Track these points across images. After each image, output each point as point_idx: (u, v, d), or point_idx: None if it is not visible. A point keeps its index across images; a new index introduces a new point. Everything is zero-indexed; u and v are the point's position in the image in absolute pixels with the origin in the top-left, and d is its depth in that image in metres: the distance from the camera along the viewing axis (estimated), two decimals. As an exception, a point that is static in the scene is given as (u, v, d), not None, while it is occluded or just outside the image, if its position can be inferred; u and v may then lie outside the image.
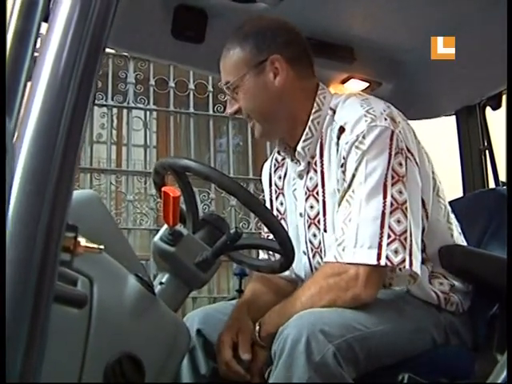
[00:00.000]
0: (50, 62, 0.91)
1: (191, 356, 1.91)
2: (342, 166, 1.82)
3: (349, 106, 1.92)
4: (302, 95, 1.98)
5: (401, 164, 1.78)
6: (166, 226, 1.68)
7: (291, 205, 2.09)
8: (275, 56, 1.93)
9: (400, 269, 1.74)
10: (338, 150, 1.85)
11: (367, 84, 2.74)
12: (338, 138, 1.85)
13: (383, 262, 1.71)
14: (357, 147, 1.78)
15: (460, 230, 2.05)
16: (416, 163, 1.84)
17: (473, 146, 2.97)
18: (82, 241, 0.96)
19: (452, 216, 2.03)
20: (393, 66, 2.75)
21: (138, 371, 1.40)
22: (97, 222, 1.50)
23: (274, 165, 2.21)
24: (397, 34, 2.56)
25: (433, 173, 1.98)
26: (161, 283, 1.70)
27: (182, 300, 1.76)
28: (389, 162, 1.76)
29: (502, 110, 2.81)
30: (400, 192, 1.75)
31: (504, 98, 2.81)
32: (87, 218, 1.38)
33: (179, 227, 1.70)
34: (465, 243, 2.03)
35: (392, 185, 1.75)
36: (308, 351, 1.57)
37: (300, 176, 2.03)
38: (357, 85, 2.72)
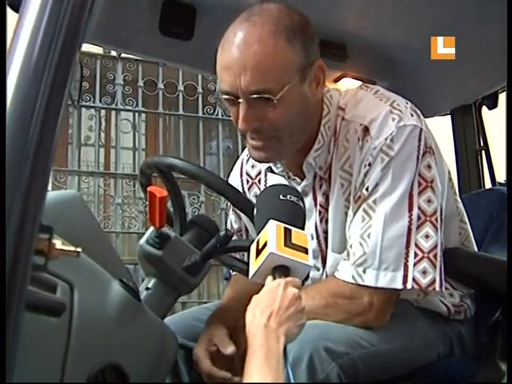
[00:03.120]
0: (21, 56, 0.86)
1: (172, 368, 1.79)
2: (365, 175, 1.62)
3: (365, 101, 1.71)
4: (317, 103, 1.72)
5: (429, 166, 1.63)
6: (152, 228, 1.61)
7: None
8: (320, 61, 1.65)
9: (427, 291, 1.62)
10: (361, 154, 1.64)
11: (360, 83, 2.67)
12: (363, 140, 1.64)
13: (410, 285, 1.58)
14: (384, 152, 1.60)
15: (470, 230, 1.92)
16: (436, 163, 1.67)
17: (468, 146, 2.92)
18: (58, 243, 0.90)
19: (464, 214, 1.89)
20: (387, 64, 2.71)
21: (123, 382, 1.32)
22: (78, 223, 1.44)
23: (247, 181, 1.96)
24: (391, 31, 2.53)
25: (448, 170, 1.83)
26: (147, 288, 1.63)
27: (170, 306, 1.68)
28: (416, 168, 1.61)
29: (498, 110, 2.77)
30: (429, 201, 1.61)
31: (500, 97, 2.78)
32: (67, 219, 1.33)
33: (166, 229, 1.63)
34: (474, 244, 1.94)
35: (419, 193, 1.60)
36: (310, 369, 1.46)
37: (304, 193, 1.73)
38: (350, 83, 2.67)
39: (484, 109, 2.87)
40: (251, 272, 1.35)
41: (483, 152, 2.89)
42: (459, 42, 2.20)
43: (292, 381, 1.20)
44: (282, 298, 1.26)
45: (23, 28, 0.87)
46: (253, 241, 1.39)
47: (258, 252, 1.34)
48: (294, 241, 1.33)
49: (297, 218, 1.40)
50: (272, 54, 1.55)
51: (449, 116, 2.96)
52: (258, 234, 1.38)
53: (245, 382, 1.17)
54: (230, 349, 1.65)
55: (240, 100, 1.58)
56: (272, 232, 1.33)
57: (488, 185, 2.86)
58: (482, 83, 2.73)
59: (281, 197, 1.41)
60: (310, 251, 1.34)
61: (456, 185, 2.83)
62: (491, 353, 1.78)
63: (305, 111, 1.65)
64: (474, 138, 2.90)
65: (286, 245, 1.31)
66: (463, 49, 2.29)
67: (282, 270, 1.31)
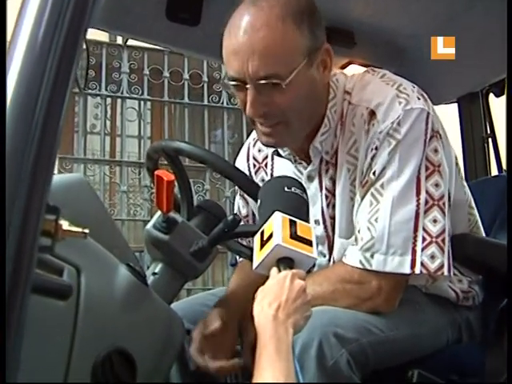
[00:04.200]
0: (25, 41, 0.85)
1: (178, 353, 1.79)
2: (372, 159, 1.61)
3: (372, 84, 1.69)
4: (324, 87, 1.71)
5: (436, 150, 1.62)
6: (159, 212, 1.60)
7: None
8: (327, 45, 1.64)
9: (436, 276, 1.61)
10: (367, 138, 1.63)
11: (367, 69, 2.68)
12: (369, 124, 1.63)
13: (418, 269, 1.57)
14: (391, 136, 1.59)
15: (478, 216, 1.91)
16: (443, 147, 1.66)
17: (475, 134, 2.92)
18: (65, 224, 0.89)
19: (472, 200, 1.88)
20: (394, 51, 2.70)
21: (130, 367, 1.32)
22: (84, 206, 1.42)
23: (254, 165, 1.95)
24: (399, 18, 2.52)
25: (455, 155, 1.81)
26: (154, 273, 1.62)
27: (177, 291, 1.68)
28: (423, 151, 1.59)
29: (505, 97, 2.76)
30: (436, 185, 1.60)
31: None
32: (74, 202, 1.32)
33: (173, 214, 1.62)
34: (482, 230, 1.93)
35: (427, 177, 1.59)
36: (320, 356, 1.45)
37: (309, 178, 1.76)
38: (357, 70, 2.64)
39: (491, 96, 2.86)
40: (255, 263, 1.35)
41: (490, 139, 2.88)
42: (466, 31, 2.21)
43: (299, 374, 1.20)
44: (289, 290, 1.26)
45: (27, 11, 0.86)
46: (260, 227, 1.38)
47: (263, 243, 1.34)
48: (299, 233, 1.33)
49: (301, 211, 1.39)
50: (280, 38, 1.54)
51: (456, 104, 2.95)
52: (262, 225, 1.38)
53: (257, 373, 1.17)
54: (213, 326, 1.65)
55: (248, 85, 1.56)
56: (278, 224, 1.32)
57: (494, 172, 2.85)
58: (489, 71, 2.72)
59: (285, 189, 1.41)
60: (314, 243, 1.34)
61: (463, 172, 2.85)
62: (499, 339, 1.77)
63: (312, 95, 1.64)
64: (480, 126, 2.90)
65: (291, 237, 1.31)
66: (470, 37, 2.30)
67: (286, 261, 1.31)
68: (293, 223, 1.34)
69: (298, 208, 1.40)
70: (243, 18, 1.56)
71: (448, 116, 2.98)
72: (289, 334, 1.22)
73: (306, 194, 1.44)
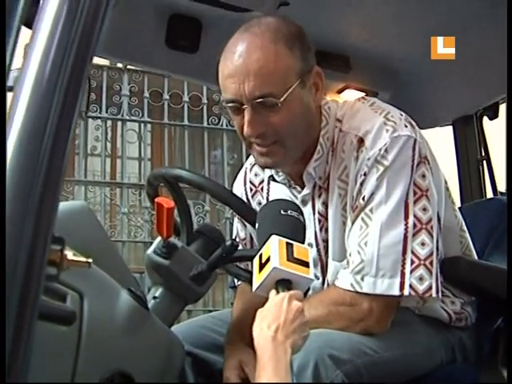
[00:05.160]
0: (34, 71, 0.88)
1: (180, 375, 1.81)
2: (361, 184, 1.65)
3: (361, 112, 1.74)
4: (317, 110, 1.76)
5: (424, 176, 1.65)
6: (159, 238, 1.64)
7: None
8: (318, 68, 1.71)
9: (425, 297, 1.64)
10: (356, 165, 1.67)
11: (363, 94, 2.70)
12: (358, 151, 1.67)
13: (407, 291, 1.59)
14: (379, 162, 1.63)
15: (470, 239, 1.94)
16: (432, 172, 1.70)
17: (470, 156, 2.94)
18: (69, 254, 0.92)
19: (463, 223, 1.91)
20: (389, 75, 2.74)
21: (131, 389, 1.35)
22: (87, 234, 1.46)
23: (250, 189, 1.98)
24: (393, 43, 2.55)
25: (444, 180, 1.84)
26: (154, 297, 1.66)
27: (177, 314, 1.72)
28: (411, 177, 1.63)
29: (498, 120, 2.78)
30: (424, 209, 1.63)
31: (501, 107, 2.79)
32: (77, 229, 1.34)
33: (173, 239, 1.66)
34: (474, 253, 1.95)
35: (415, 202, 1.62)
36: (316, 377, 1.47)
37: (303, 202, 1.79)
38: (353, 95, 2.69)
39: (485, 119, 2.89)
40: (255, 285, 1.38)
41: (484, 162, 2.90)
42: (460, 53, 2.21)
43: None
44: (287, 312, 1.29)
45: (36, 43, 0.89)
46: (258, 251, 1.42)
47: (261, 266, 1.37)
48: (295, 255, 1.36)
49: (297, 233, 1.43)
50: (274, 59, 1.60)
51: (450, 126, 2.97)
52: (260, 248, 1.41)
53: None
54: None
55: (244, 106, 1.61)
56: (275, 247, 1.36)
57: (489, 194, 2.86)
58: (483, 94, 2.75)
59: (282, 212, 1.45)
60: (311, 265, 1.37)
61: (458, 194, 2.87)
62: (493, 360, 1.79)
63: (306, 116, 1.69)
64: (475, 148, 2.92)
65: (288, 259, 1.34)
66: (464, 60, 2.31)
67: (284, 283, 1.34)
68: (289, 246, 1.37)
69: (294, 230, 1.43)
70: (238, 44, 1.63)
71: (442, 138, 3.03)
72: (287, 354, 1.25)
73: (303, 215, 1.48)
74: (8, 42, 0.87)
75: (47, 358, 1.15)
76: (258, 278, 1.38)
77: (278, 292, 1.34)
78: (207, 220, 5.92)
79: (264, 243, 1.40)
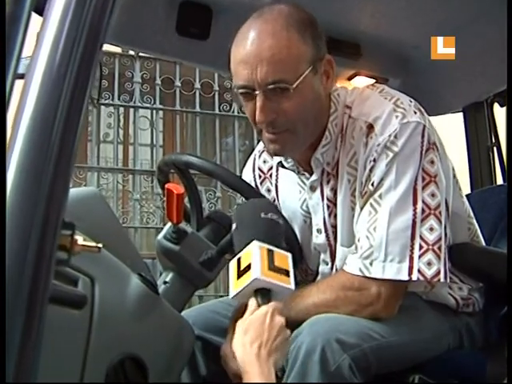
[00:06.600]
0: (45, 58, 0.89)
1: (190, 359, 1.84)
2: (370, 170, 1.66)
3: (371, 99, 1.75)
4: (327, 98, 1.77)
5: (432, 162, 1.66)
6: (169, 223, 1.65)
7: (297, 219, 1.89)
8: (329, 56, 1.72)
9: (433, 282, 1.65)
10: (365, 151, 1.68)
11: (374, 81, 2.70)
12: (367, 137, 1.68)
13: (415, 276, 1.61)
14: (388, 148, 1.64)
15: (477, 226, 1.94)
16: (440, 159, 1.71)
17: (480, 143, 2.93)
18: (80, 239, 0.94)
19: (471, 210, 1.92)
20: (399, 62, 2.73)
21: (141, 373, 1.37)
22: (98, 219, 1.48)
23: (259, 176, 2.00)
24: (404, 30, 2.53)
25: (452, 167, 1.84)
26: (165, 282, 1.67)
27: (187, 299, 1.73)
28: (420, 163, 1.64)
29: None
30: (432, 195, 1.64)
31: (513, 94, 2.78)
32: (88, 215, 1.36)
33: (183, 225, 1.67)
34: (482, 240, 1.96)
35: (423, 188, 1.64)
36: (323, 361, 1.49)
37: (312, 188, 1.81)
38: (363, 81, 2.68)
39: (496, 106, 2.88)
40: (232, 292, 1.38)
41: (495, 148, 2.90)
42: (471, 40, 2.22)
43: None
44: (270, 328, 1.31)
45: (47, 30, 0.90)
46: (237, 252, 1.42)
47: (240, 272, 1.37)
48: (276, 263, 1.36)
49: (278, 238, 1.44)
50: (286, 46, 1.62)
51: (461, 113, 2.97)
52: (238, 251, 1.41)
53: None
54: None
55: (257, 92, 1.63)
56: (256, 254, 1.36)
57: (499, 181, 2.86)
58: (494, 80, 2.72)
59: (262, 215, 1.44)
60: (291, 273, 1.38)
61: (468, 181, 2.87)
62: (500, 346, 1.78)
63: (317, 103, 1.71)
64: (485, 135, 2.92)
65: (269, 268, 1.34)
66: (475, 47, 2.31)
67: (264, 292, 1.35)
68: (270, 253, 1.37)
69: (276, 235, 1.44)
70: (250, 31, 1.65)
71: (453, 125, 3.03)
72: (271, 371, 1.27)
73: (284, 218, 1.48)
74: (18, 30, 0.88)
75: (59, 341, 1.17)
76: (236, 285, 1.37)
77: (257, 302, 1.35)
78: (219, 206, 5.93)
79: (244, 247, 1.40)
